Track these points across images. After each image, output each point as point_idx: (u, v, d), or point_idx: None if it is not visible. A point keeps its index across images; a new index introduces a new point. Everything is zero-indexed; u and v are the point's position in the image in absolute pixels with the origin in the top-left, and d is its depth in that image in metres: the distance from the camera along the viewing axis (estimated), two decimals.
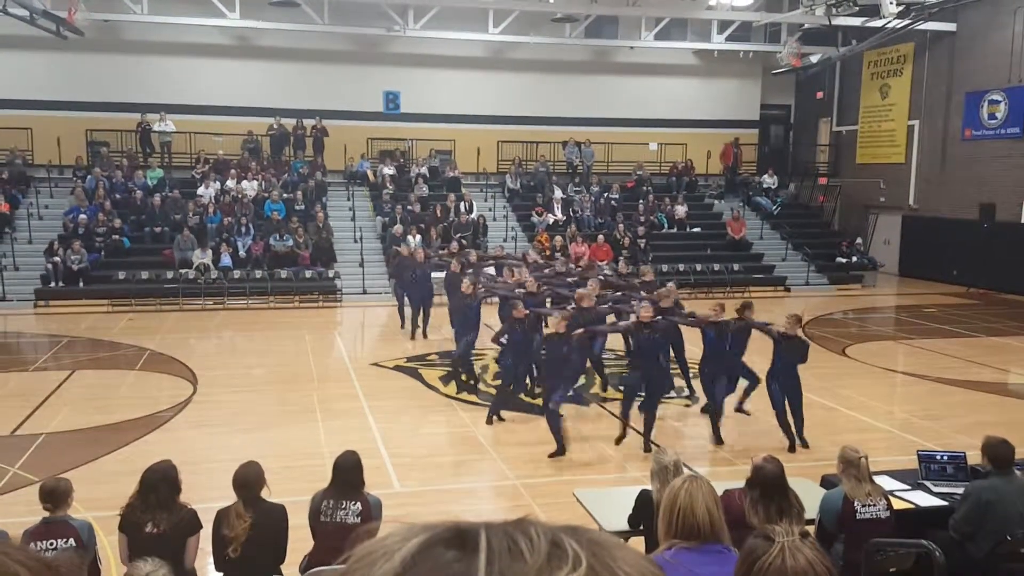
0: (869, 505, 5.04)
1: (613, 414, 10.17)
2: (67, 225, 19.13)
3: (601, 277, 12.70)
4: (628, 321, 9.26)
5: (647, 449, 8.52)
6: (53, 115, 21.94)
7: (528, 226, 22.29)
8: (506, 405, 9.97)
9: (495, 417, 9.76)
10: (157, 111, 22.36)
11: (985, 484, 5.25)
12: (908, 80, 24.30)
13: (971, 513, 5.15)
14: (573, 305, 10.31)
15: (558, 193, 23.18)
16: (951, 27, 22.69)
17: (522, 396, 10.53)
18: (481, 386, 11.42)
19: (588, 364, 10.80)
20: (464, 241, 19.12)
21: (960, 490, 5.88)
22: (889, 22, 22.37)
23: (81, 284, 18.17)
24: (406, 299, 15.19)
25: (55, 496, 4.73)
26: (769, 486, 4.38)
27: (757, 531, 2.34)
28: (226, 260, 19.09)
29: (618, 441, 8.83)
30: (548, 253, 19.33)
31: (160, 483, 4.82)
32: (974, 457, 6.11)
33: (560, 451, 8.51)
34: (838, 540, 5.14)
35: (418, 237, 19.67)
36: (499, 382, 10.76)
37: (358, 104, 24.01)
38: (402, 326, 15.34)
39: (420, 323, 14.80)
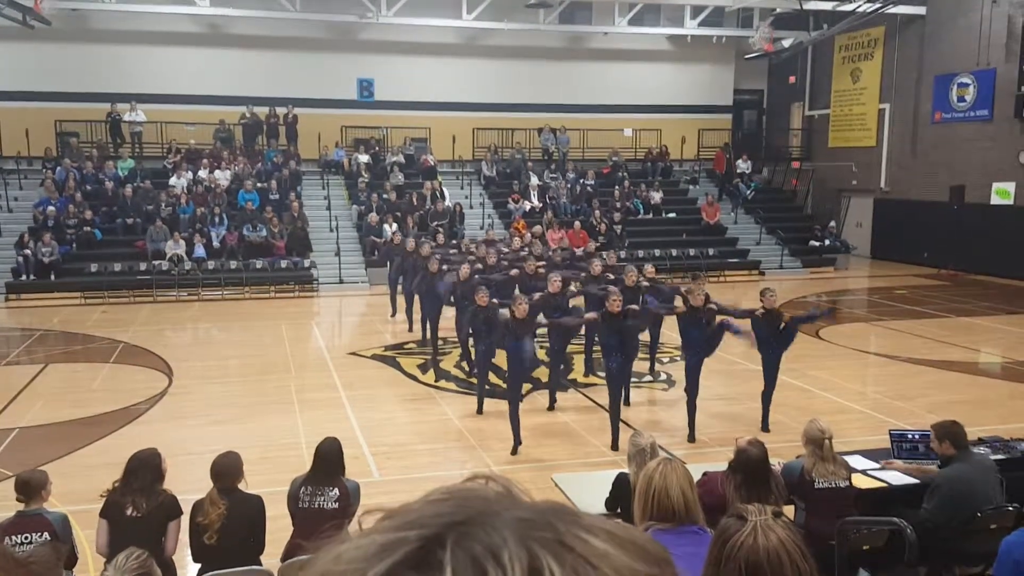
0: (829, 476, 5.18)
1: (594, 401, 10.24)
2: (37, 217, 18.88)
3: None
4: (595, 314, 9.03)
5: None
6: (21, 106, 21.60)
7: (504, 213, 22.29)
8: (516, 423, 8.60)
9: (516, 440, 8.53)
10: (127, 101, 22.06)
11: (954, 474, 5.29)
12: (879, 64, 24.52)
13: (945, 504, 5.23)
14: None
15: (534, 180, 23.19)
16: (921, 11, 22.91)
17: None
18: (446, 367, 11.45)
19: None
20: (441, 229, 19.08)
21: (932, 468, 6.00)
22: (860, 6, 22.55)
23: (53, 277, 17.96)
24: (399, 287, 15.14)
25: (29, 488, 4.71)
26: (752, 470, 4.44)
27: (731, 511, 2.38)
28: (200, 251, 18.93)
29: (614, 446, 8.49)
30: (525, 240, 19.31)
31: (143, 468, 4.87)
32: None
33: (517, 443, 8.37)
34: (799, 508, 5.26)
35: (394, 225, 19.62)
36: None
37: (332, 92, 23.83)
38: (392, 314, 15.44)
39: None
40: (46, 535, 4.53)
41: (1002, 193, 20.89)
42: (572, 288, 10.82)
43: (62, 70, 21.97)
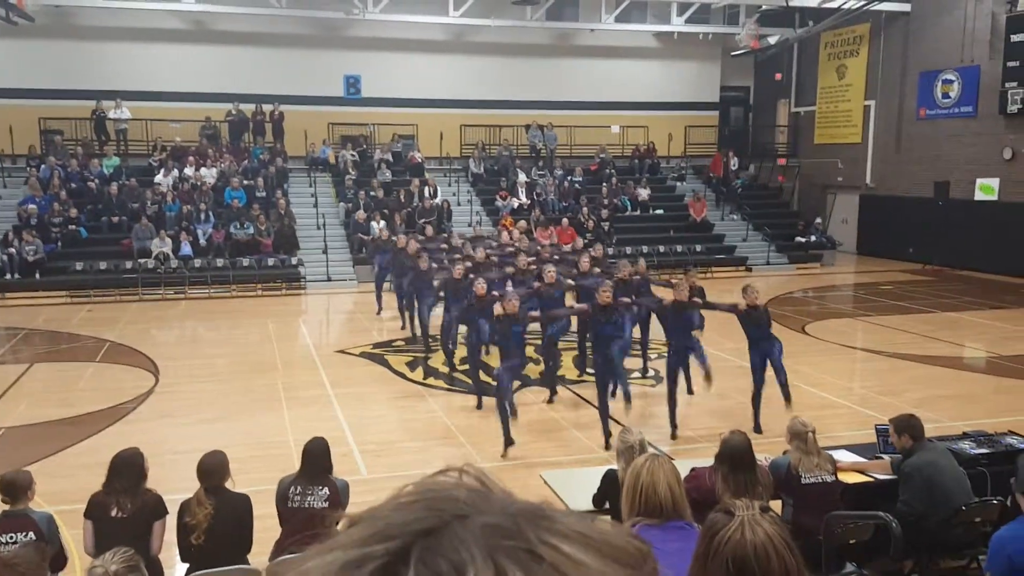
0: (815, 470, 5.23)
1: (583, 398, 10.26)
2: (22, 215, 18.75)
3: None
4: (586, 305, 9.05)
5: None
6: (4, 103, 21.37)
7: (492, 210, 22.28)
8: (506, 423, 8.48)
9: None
10: (112, 98, 21.91)
11: (921, 462, 5.39)
12: (864, 60, 24.63)
13: (920, 493, 5.31)
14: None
15: (522, 177, 23.19)
16: (906, 7, 23.03)
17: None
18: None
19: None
20: (429, 225, 19.05)
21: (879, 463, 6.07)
22: (845, 3, 22.65)
23: (38, 276, 17.83)
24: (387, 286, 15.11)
25: (14, 488, 4.68)
26: (736, 459, 4.47)
27: (718, 506, 2.39)
28: (186, 249, 18.83)
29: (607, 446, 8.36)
30: (514, 236, 19.32)
31: (125, 468, 4.85)
32: (930, 431, 6.27)
33: (508, 443, 8.30)
34: (786, 504, 5.31)
35: (382, 223, 19.58)
36: (467, 367, 10.77)
37: (318, 89, 23.74)
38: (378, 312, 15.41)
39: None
40: (31, 535, 4.51)
41: (986, 189, 21.04)
42: (568, 281, 10.82)
43: (46, 67, 21.80)
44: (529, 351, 10.76)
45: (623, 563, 0.58)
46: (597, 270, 11.47)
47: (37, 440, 8.73)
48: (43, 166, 20.33)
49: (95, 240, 19.17)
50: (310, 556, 0.57)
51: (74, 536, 5.31)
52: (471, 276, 10.71)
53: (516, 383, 8.85)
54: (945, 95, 22.10)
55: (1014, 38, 20.00)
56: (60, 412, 9.67)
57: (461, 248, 13.64)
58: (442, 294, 11.45)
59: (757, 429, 8.67)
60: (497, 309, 8.80)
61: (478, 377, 9.90)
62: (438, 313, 12.32)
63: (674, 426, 8.77)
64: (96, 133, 22.09)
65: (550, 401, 10.07)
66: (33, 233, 17.97)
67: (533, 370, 11.02)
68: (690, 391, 9.92)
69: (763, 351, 8.84)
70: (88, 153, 21.34)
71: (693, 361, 9.31)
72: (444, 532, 0.56)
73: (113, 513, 4.76)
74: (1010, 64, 20.07)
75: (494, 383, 8.76)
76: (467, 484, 0.63)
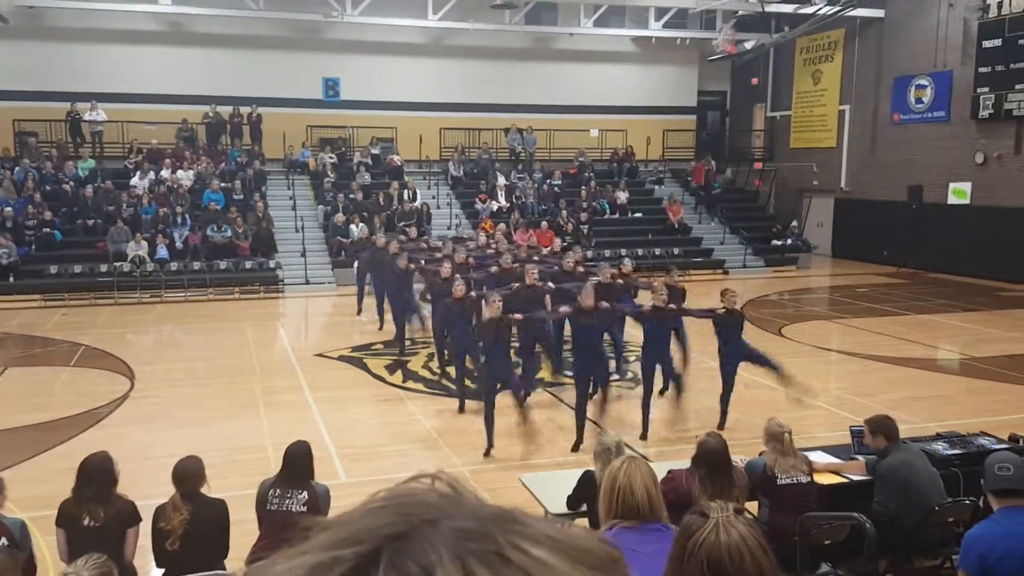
0: (791, 471, 5.28)
1: (561, 399, 10.28)
2: None
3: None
4: (568, 307, 9.11)
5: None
6: None
7: (472, 213, 22.29)
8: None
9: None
10: (88, 100, 21.69)
11: (895, 463, 5.46)
12: (839, 66, 24.90)
13: (896, 494, 5.37)
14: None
15: (501, 180, 23.22)
16: (880, 13, 23.31)
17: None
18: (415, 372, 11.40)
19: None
20: (409, 229, 19.01)
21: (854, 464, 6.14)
22: (820, 8, 22.89)
23: (11, 279, 17.61)
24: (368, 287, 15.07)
25: None
26: (712, 461, 4.51)
27: (693, 508, 2.42)
28: (162, 252, 18.67)
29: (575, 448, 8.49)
30: (496, 238, 19.31)
31: (95, 475, 4.76)
32: (904, 432, 6.34)
33: (490, 446, 8.33)
34: (763, 505, 5.35)
35: (361, 225, 19.53)
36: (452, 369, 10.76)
37: (297, 91, 23.65)
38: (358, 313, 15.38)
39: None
40: (4, 540, 4.46)
41: (959, 193, 21.32)
42: (548, 284, 10.83)
43: (20, 69, 21.55)
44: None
45: (593, 567, 0.58)
46: (581, 269, 11.51)
47: (11, 445, 8.62)
48: (17, 168, 20.10)
49: (70, 243, 18.97)
50: (279, 560, 0.58)
51: (48, 543, 5.26)
52: (458, 276, 10.68)
53: (499, 384, 8.85)
54: (918, 100, 22.39)
55: (986, 44, 20.31)
56: (34, 417, 9.56)
57: (441, 248, 13.62)
58: (428, 297, 11.42)
59: (721, 426, 8.82)
60: (484, 312, 8.79)
61: (462, 379, 9.89)
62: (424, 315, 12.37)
63: (645, 428, 8.82)
64: (71, 135, 21.88)
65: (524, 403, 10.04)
66: (7, 236, 17.76)
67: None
68: (662, 391, 9.98)
69: (735, 353, 8.97)
70: (63, 155, 21.12)
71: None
72: (413, 536, 0.56)
73: (85, 522, 4.67)
74: (982, 69, 20.37)
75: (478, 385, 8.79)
76: (438, 489, 0.64)
